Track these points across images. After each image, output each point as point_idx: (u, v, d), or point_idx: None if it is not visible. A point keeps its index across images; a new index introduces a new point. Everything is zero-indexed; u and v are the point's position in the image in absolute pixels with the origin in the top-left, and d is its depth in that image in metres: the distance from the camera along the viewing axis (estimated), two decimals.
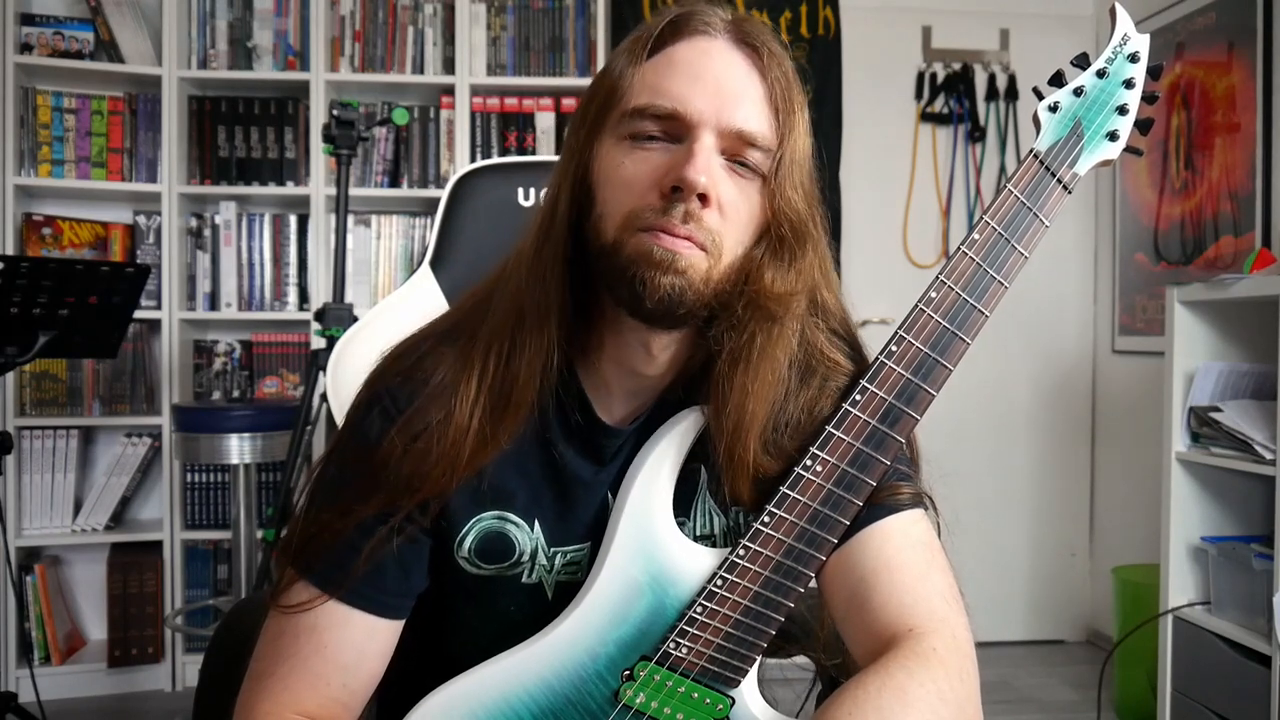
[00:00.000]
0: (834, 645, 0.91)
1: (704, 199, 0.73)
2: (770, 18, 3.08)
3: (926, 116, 3.22)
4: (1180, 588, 2.23)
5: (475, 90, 2.92)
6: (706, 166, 0.73)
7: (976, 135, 3.22)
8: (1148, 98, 0.83)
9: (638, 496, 0.80)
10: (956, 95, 3.21)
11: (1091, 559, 3.28)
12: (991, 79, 3.22)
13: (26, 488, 2.76)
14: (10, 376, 2.69)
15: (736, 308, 0.77)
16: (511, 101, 2.93)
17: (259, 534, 2.61)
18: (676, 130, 0.75)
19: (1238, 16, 2.63)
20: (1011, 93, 3.21)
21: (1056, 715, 2.67)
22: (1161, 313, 2.31)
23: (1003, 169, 3.22)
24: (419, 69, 2.94)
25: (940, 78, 3.21)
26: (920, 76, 3.21)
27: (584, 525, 0.83)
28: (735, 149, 0.75)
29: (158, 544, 2.80)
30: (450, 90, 2.91)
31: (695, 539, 0.83)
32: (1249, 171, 2.57)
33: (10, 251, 2.72)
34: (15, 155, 2.75)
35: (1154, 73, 0.83)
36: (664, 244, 0.73)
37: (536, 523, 0.83)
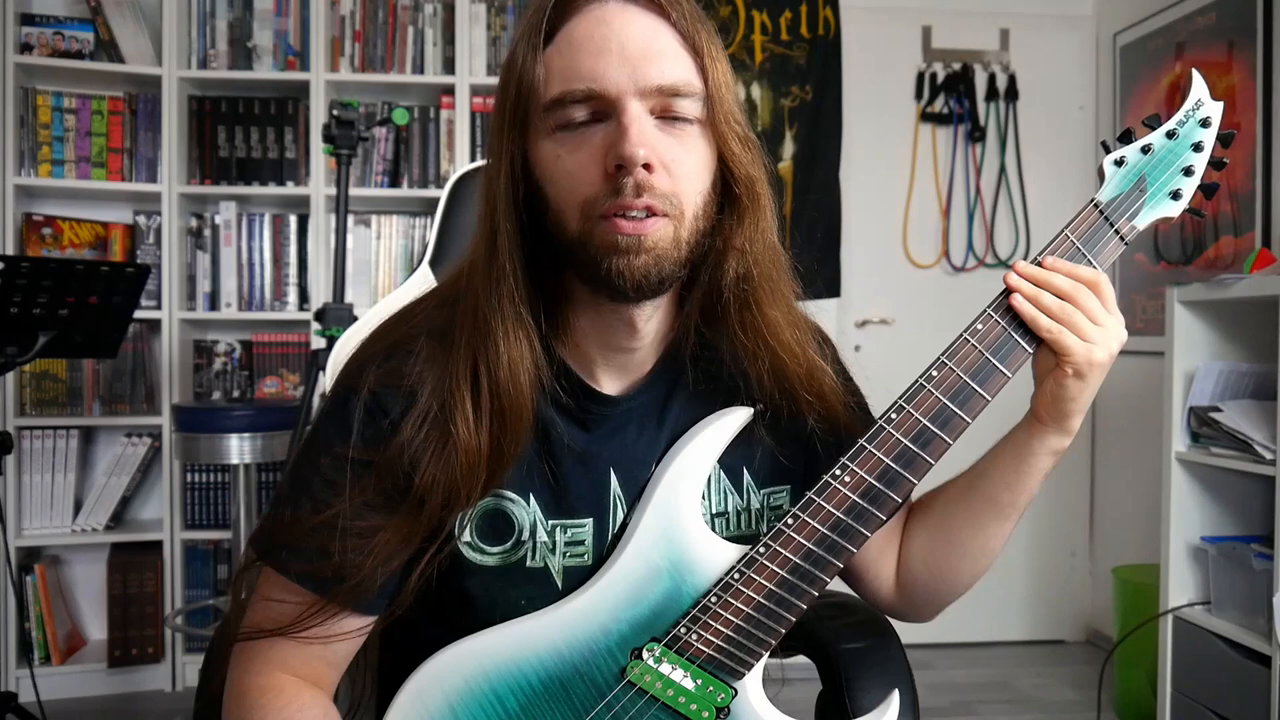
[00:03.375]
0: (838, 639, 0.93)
1: (648, 166, 0.73)
2: (770, 18, 3.08)
3: (926, 116, 3.21)
4: (1180, 588, 2.23)
5: (475, 90, 2.92)
6: (640, 136, 0.72)
7: (976, 135, 3.22)
8: (1215, 163, 0.84)
9: (668, 485, 0.82)
10: (956, 95, 3.21)
11: (1091, 559, 3.28)
12: (991, 79, 3.22)
13: (26, 488, 2.76)
14: (10, 376, 2.69)
15: (718, 260, 0.80)
16: None
17: (246, 540, 2.61)
18: (600, 107, 0.74)
19: (1238, 16, 2.63)
20: (1011, 93, 3.21)
21: (1056, 715, 2.67)
22: (1161, 313, 2.32)
23: (1003, 169, 3.22)
24: (419, 69, 2.94)
25: (940, 78, 3.21)
26: (920, 76, 3.21)
27: (584, 500, 0.84)
28: (663, 106, 0.75)
29: (158, 544, 2.80)
30: (450, 90, 2.91)
31: (712, 516, 0.86)
32: (1249, 171, 2.57)
33: (10, 251, 2.72)
34: (15, 155, 2.75)
35: (1224, 140, 0.85)
36: (626, 230, 0.73)
37: (531, 496, 0.83)
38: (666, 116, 0.75)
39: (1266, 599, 1.95)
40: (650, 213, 0.73)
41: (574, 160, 0.75)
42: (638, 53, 0.74)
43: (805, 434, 0.88)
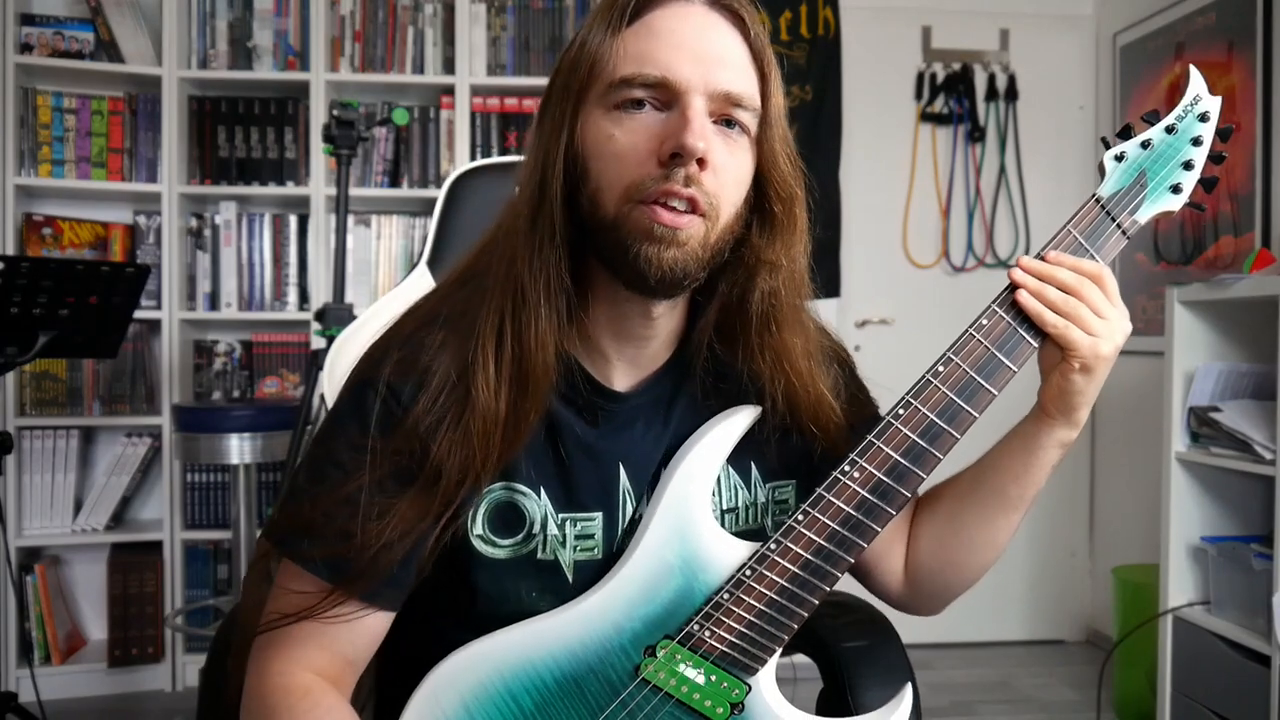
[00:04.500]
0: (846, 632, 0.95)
1: (701, 162, 0.74)
2: (770, 18, 3.08)
3: (926, 116, 3.21)
4: (1180, 588, 2.23)
5: (475, 90, 2.92)
6: (702, 131, 0.74)
7: (976, 135, 3.22)
8: (1215, 157, 0.85)
9: (679, 483, 0.82)
10: (956, 95, 3.21)
11: (1091, 559, 3.28)
12: (991, 79, 3.22)
13: (26, 488, 2.76)
14: (10, 376, 2.69)
15: (749, 274, 0.81)
16: (511, 101, 2.93)
17: (259, 534, 2.61)
18: (665, 97, 0.76)
19: (1238, 16, 2.63)
20: (1011, 93, 3.21)
21: (1056, 715, 2.67)
22: (1161, 313, 2.32)
23: (1002, 169, 3.22)
24: (419, 69, 2.94)
25: (940, 78, 3.21)
26: (920, 76, 3.21)
27: (593, 495, 0.84)
28: (722, 111, 0.77)
29: (158, 544, 2.80)
30: (450, 90, 2.91)
31: (722, 513, 0.86)
32: (1249, 171, 2.57)
33: (10, 251, 2.72)
34: (15, 155, 2.75)
35: (1223, 134, 0.86)
36: (664, 220, 0.74)
37: (542, 489, 0.83)
38: (722, 123, 0.77)
39: (1266, 599, 1.95)
40: (692, 206, 0.75)
41: (628, 141, 0.76)
42: (712, 56, 0.76)
43: (807, 448, 0.90)
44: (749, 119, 0.78)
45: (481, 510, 0.82)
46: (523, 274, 0.78)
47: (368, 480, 0.78)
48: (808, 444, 0.89)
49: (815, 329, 0.90)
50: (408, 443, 0.78)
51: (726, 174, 0.77)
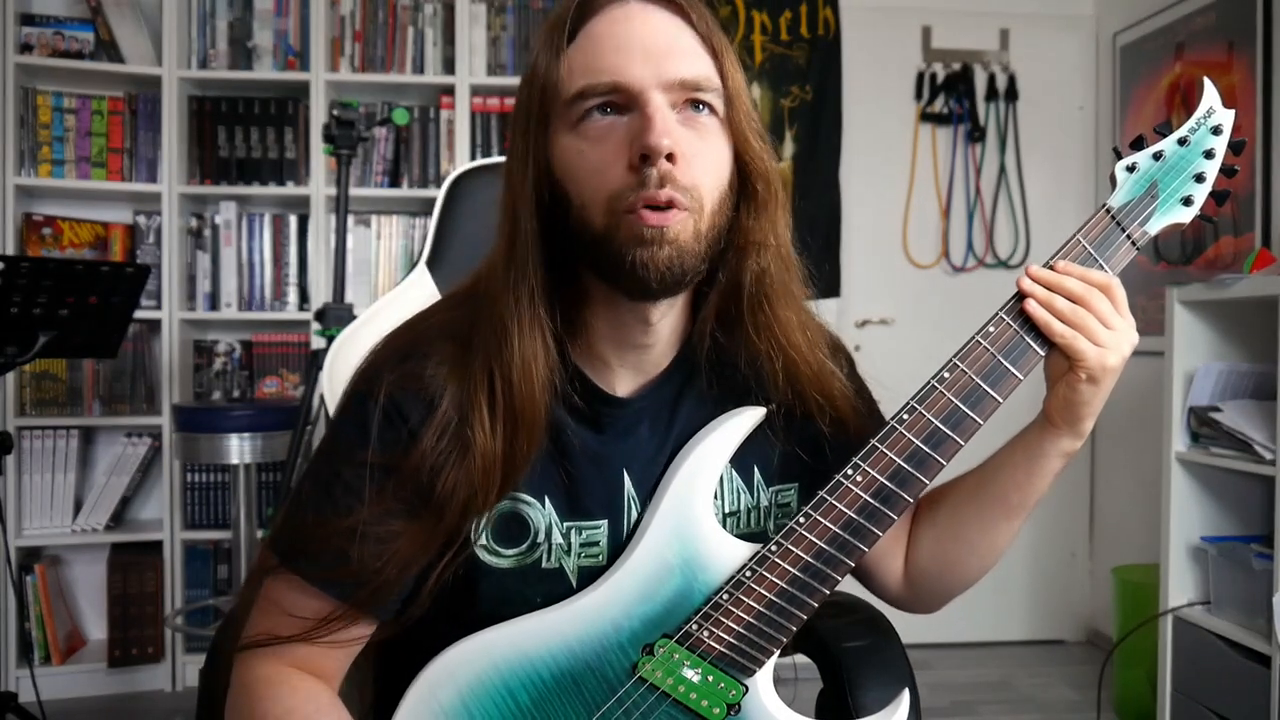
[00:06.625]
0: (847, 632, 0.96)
1: (671, 157, 0.73)
2: (770, 18, 3.08)
3: (926, 116, 3.21)
4: (1180, 588, 2.23)
5: (475, 90, 2.92)
6: (665, 127, 0.73)
7: (976, 135, 3.21)
8: (1227, 170, 0.85)
9: (681, 483, 0.82)
10: (956, 95, 3.21)
11: (1091, 559, 3.27)
12: (991, 79, 3.22)
13: (26, 488, 2.76)
14: (10, 376, 2.69)
15: (739, 258, 0.81)
16: (511, 101, 2.93)
17: (259, 534, 2.61)
18: (623, 101, 0.75)
19: (1238, 16, 2.63)
20: (1011, 93, 3.21)
21: (1056, 715, 2.67)
22: (1161, 313, 2.32)
23: (1002, 169, 3.22)
24: (419, 69, 2.94)
25: (940, 78, 3.21)
26: (920, 76, 3.21)
27: (598, 502, 0.84)
28: (684, 100, 0.76)
29: (158, 544, 2.80)
30: (450, 90, 2.91)
31: (724, 516, 0.86)
32: (1249, 172, 2.57)
33: (10, 251, 2.72)
34: (15, 155, 2.75)
35: (1236, 148, 0.85)
36: (651, 222, 0.74)
37: (546, 499, 0.83)
38: (686, 111, 0.76)
39: (1266, 599, 1.95)
40: (671, 205, 0.74)
41: (597, 154, 0.75)
42: (660, 48, 0.75)
43: (815, 435, 0.89)
44: (713, 100, 0.77)
45: (485, 521, 0.82)
46: (502, 311, 0.78)
47: (375, 507, 0.78)
48: (816, 426, 0.88)
49: (810, 310, 0.90)
50: (414, 473, 0.78)
51: (701, 160, 0.76)
